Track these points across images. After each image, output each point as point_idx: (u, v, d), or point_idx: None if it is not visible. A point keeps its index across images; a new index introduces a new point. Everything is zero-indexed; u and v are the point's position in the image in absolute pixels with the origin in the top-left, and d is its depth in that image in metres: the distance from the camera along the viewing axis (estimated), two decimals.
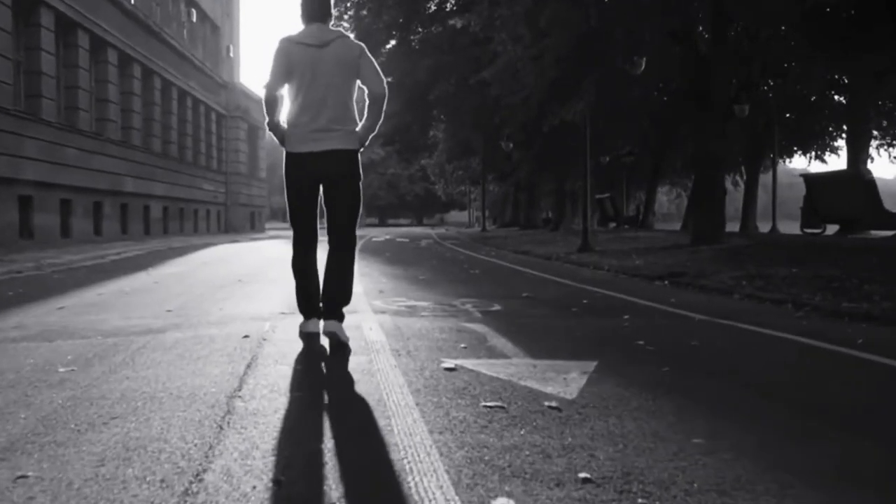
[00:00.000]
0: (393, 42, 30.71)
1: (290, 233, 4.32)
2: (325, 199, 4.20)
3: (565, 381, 3.28)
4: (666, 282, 9.04)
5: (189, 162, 31.87)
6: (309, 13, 4.11)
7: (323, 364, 3.78)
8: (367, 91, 4.15)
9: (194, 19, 33.55)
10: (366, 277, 9.28)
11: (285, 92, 4.15)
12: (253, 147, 41.42)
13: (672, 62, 16.54)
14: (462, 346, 4.19)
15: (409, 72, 27.89)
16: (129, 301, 6.73)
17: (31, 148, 18.50)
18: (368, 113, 4.19)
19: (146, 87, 27.04)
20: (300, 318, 4.34)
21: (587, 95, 14.18)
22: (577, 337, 4.74)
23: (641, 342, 4.40)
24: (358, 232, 4.62)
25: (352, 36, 4.47)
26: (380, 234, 33.08)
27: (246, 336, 4.47)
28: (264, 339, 4.37)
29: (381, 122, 4.25)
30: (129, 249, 18.00)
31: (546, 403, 2.88)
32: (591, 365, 3.65)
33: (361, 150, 4.20)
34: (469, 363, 3.66)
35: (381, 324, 5.04)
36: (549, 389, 3.12)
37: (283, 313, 5.59)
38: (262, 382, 3.22)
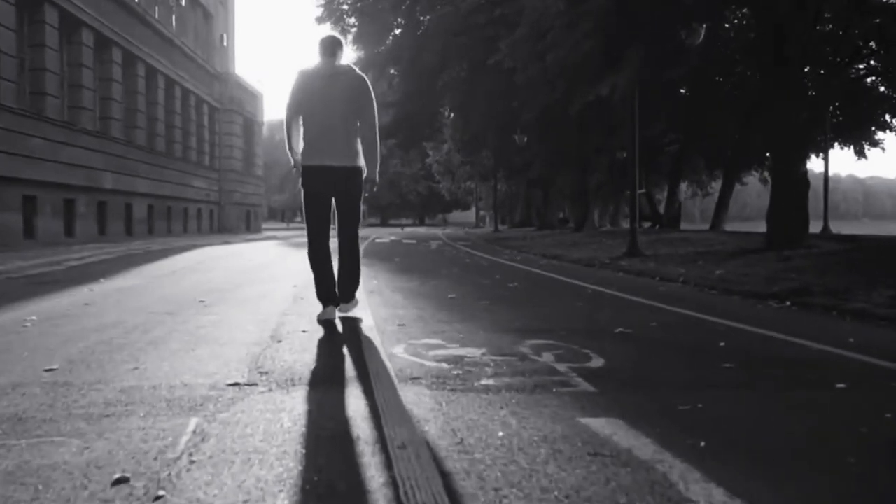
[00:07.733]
0: (398, 31, 28.22)
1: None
2: (335, 204, 5.09)
3: None
4: (787, 302, 6.57)
5: (178, 157, 29.39)
6: (322, 50, 5.11)
7: None
8: (358, 121, 5.04)
9: (183, 3, 31.09)
10: (375, 296, 6.82)
11: (301, 117, 5.06)
12: (248, 142, 38.87)
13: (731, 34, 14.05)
14: None
15: (415, 57, 25.28)
16: (11, 344, 4.30)
17: None
18: (365, 148, 5.08)
19: (128, 73, 24.59)
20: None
21: (630, 67, 11.68)
22: (843, 467, 2.26)
23: None
24: (360, 233, 5.32)
25: (357, 69, 5.30)
26: (383, 235, 30.43)
27: (123, 480, 1.95)
28: (161, 496, 1.88)
29: (378, 149, 5.16)
30: (99, 253, 15.66)
31: None
32: None
33: (377, 185, 5.20)
34: None
35: (421, 423, 2.56)
36: None
37: (236, 384, 3.14)
38: None
